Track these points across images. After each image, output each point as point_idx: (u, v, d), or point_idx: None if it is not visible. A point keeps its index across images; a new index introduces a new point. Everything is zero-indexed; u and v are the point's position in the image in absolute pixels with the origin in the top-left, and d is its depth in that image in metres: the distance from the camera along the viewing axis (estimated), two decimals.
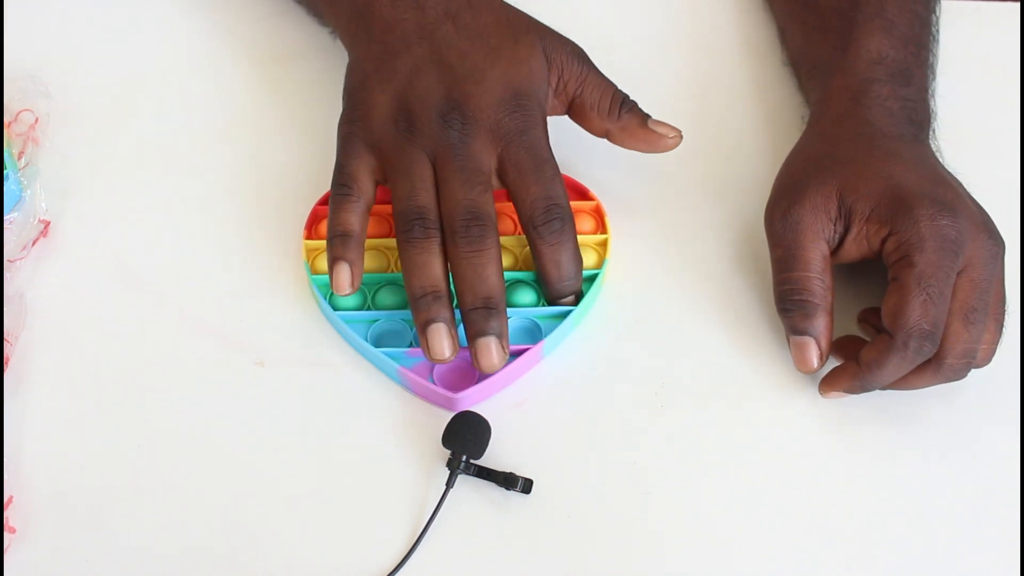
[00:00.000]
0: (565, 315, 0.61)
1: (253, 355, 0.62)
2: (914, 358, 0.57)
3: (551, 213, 0.59)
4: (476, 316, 0.57)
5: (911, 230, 0.57)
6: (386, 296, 0.63)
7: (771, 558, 0.57)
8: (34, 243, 0.66)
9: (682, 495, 0.58)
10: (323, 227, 0.65)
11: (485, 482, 0.58)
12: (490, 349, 0.57)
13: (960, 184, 0.62)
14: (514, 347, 0.60)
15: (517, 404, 0.61)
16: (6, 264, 0.64)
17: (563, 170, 0.62)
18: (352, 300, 0.62)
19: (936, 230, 0.57)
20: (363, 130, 0.61)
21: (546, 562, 0.56)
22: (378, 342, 0.62)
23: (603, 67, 0.65)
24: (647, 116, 0.63)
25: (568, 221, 0.59)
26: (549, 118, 0.62)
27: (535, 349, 0.60)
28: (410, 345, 0.61)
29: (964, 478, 0.59)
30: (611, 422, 0.60)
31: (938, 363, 0.57)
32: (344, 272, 0.58)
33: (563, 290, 0.60)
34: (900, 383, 0.59)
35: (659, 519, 0.58)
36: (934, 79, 0.67)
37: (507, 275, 0.63)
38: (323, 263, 0.63)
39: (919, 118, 0.64)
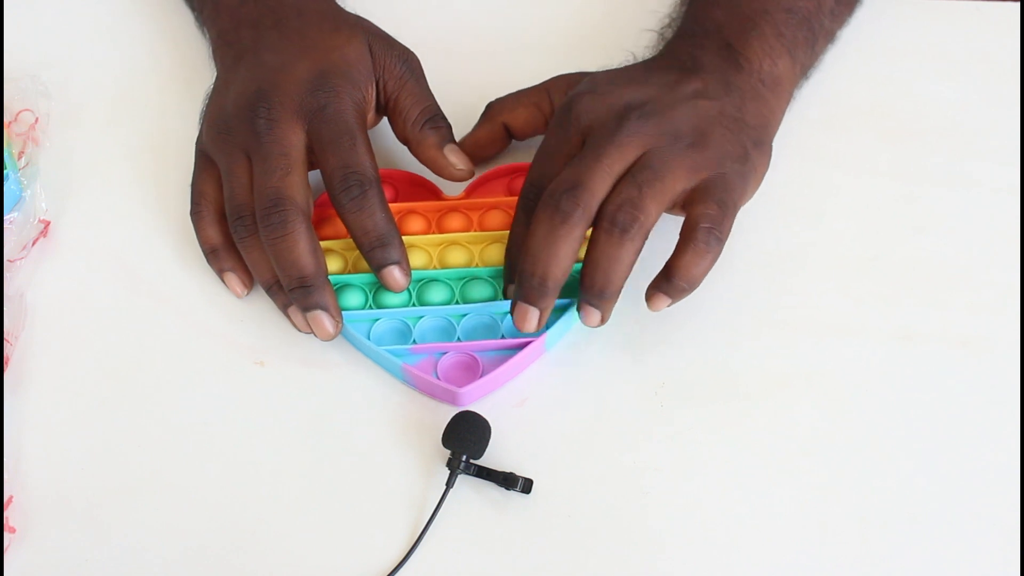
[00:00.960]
0: (567, 308, 0.61)
1: (253, 355, 0.62)
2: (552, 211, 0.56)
3: (348, 180, 0.59)
4: (296, 295, 0.59)
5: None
6: (387, 295, 0.63)
7: (771, 557, 0.57)
8: (34, 243, 0.66)
9: (681, 495, 0.58)
10: (322, 228, 0.65)
11: (485, 482, 0.58)
12: (320, 321, 0.59)
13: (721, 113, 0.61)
14: (517, 340, 0.60)
15: (518, 404, 0.61)
16: (6, 264, 0.64)
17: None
18: (354, 300, 0.62)
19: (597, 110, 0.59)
20: (202, 144, 0.64)
21: (546, 562, 0.56)
22: (381, 340, 0.62)
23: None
24: (448, 141, 0.64)
25: (370, 187, 0.59)
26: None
27: (538, 342, 0.60)
28: (413, 342, 0.61)
29: (964, 477, 0.59)
30: (611, 422, 0.60)
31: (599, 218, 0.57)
32: (232, 279, 0.63)
33: (379, 257, 0.60)
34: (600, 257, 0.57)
35: (659, 519, 0.58)
36: (759, 29, 0.65)
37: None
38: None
39: (702, 59, 0.63)
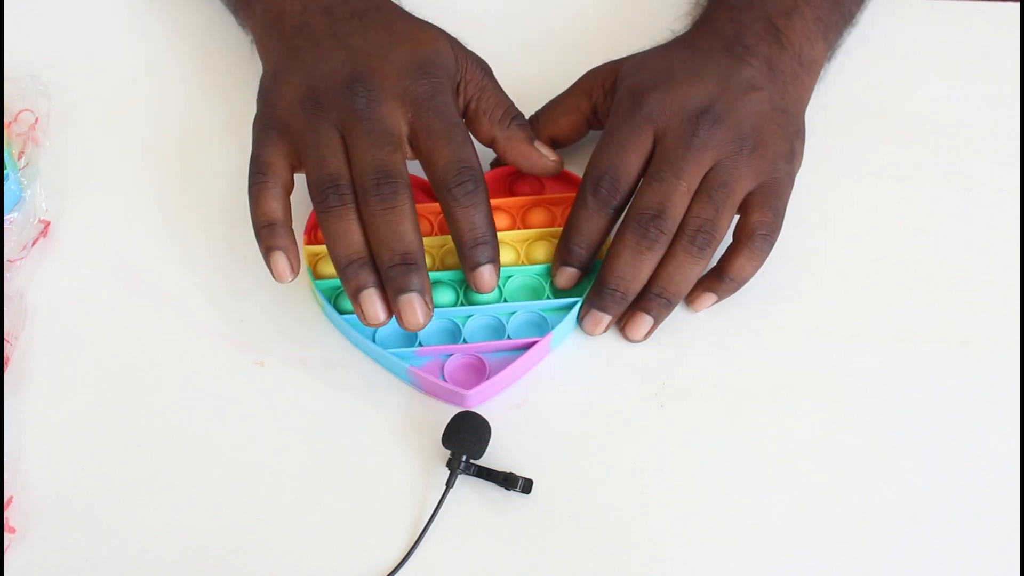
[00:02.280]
0: (571, 307, 0.61)
1: (253, 355, 0.62)
2: (598, 206, 0.60)
3: (463, 175, 0.58)
4: (395, 273, 0.56)
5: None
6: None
7: (771, 558, 0.57)
8: (34, 243, 0.66)
9: (682, 495, 0.58)
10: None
11: (485, 482, 0.58)
12: (413, 306, 0.57)
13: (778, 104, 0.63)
14: (522, 340, 0.60)
15: (517, 404, 0.61)
16: (6, 264, 0.64)
17: (568, 166, 0.64)
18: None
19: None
20: (273, 119, 0.61)
21: (546, 562, 0.56)
22: (386, 343, 0.62)
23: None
24: (534, 136, 0.64)
25: (481, 184, 0.59)
26: None
27: (543, 342, 0.60)
28: (419, 344, 0.61)
29: (965, 478, 0.59)
30: (611, 422, 0.60)
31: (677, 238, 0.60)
32: (281, 260, 0.58)
33: (479, 255, 0.59)
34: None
35: (659, 519, 0.58)
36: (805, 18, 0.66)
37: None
38: (325, 267, 0.63)
39: (748, 39, 0.64)
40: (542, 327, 0.62)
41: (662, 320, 0.62)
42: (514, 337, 0.61)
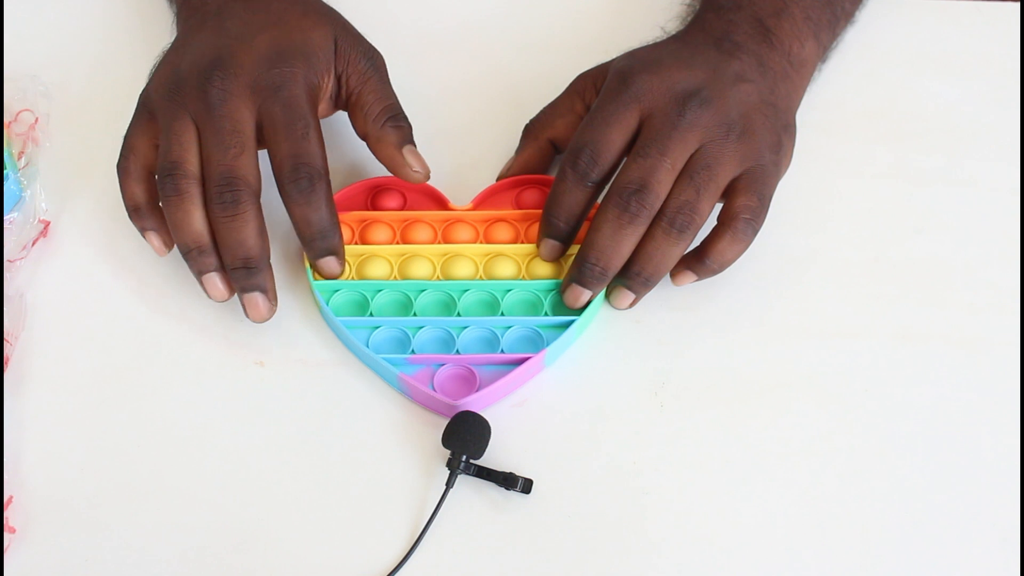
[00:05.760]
0: (568, 325, 0.61)
1: (253, 355, 0.62)
2: (576, 179, 0.61)
3: (298, 172, 0.59)
4: (238, 275, 0.60)
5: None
6: (387, 303, 0.62)
7: (771, 558, 0.57)
8: (34, 243, 0.66)
9: (681, 495, 0.58)
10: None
11: (485, 482, 0.58)
12: (256, 303, 0.60)
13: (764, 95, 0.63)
14: (516, 356, 0.60)
15: (517, 404, 0.61)
16: (6, 264, 0.64)
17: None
18: (354, 307, 0.62)
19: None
20: (147, 98, 0.63)
21: (546, 562, 0.56)
22: (379, 348, 0.62)
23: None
24: (408, 142, 0.63)
25: (319, 180, 0.59)
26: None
27: (537, 358, 0.60)
28: (412, 352, 0.61)
29: (965, 477, 0.59)
30: (611, 422, 0.60)
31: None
32: (154, 238, 0.62)
33: (320, 248, 0.61)
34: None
35: (658, 519, 0.58)
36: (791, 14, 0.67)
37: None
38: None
39: (737, 37, 0.65)
40: (537, 343, 0.61)
41: (643, 296, 0.62)
42: (508, 352, 0.61)
